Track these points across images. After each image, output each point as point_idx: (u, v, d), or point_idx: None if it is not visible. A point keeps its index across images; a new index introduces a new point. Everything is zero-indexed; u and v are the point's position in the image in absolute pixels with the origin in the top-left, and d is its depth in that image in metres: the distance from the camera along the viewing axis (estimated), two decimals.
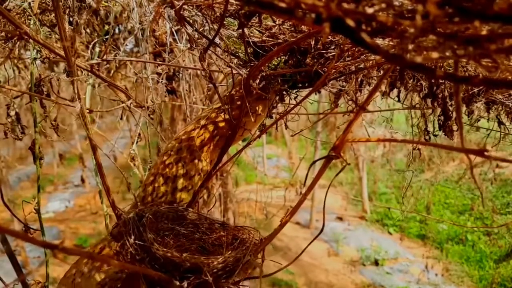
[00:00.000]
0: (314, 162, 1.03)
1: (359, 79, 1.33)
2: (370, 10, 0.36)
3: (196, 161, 1.17)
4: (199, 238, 1.11)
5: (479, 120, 1.58)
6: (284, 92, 1.18)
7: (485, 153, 0.44)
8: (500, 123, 1.58)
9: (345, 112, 1.46)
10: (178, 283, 0.82)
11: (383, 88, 1.39)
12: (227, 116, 1.17)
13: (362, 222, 9.25)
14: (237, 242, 1.04)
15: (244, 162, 11.44)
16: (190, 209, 1.18)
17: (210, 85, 1.84)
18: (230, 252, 0.96)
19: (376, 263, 7.43)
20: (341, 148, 0.83)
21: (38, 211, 1.44)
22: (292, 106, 1.17)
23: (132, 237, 0.89)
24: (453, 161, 10.68)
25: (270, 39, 1.00)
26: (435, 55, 0.35)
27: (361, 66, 1.12)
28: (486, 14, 0.27)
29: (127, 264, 0.83)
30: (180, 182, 1.17)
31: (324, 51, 1.00)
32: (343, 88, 1.38)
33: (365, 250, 7.79)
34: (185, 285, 0.83)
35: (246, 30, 0.96)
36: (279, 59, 1.13)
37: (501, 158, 0.53)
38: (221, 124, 1.19)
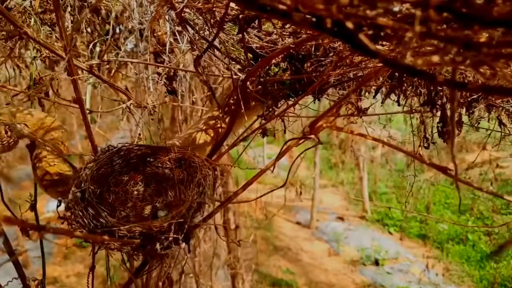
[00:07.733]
0: (287, 141, 1.03)
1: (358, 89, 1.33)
2: (371, 13, 0.36)
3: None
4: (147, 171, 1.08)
5: (479, 123, 1.58)
6: (281, 99, 1.19)
7: (448, 171, 0.45)
8: (501, 123, 1.57)
9: (345, 115, 1.45)
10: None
11: (383, 90, 1.39)
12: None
13: (363, 222, 9.24)
14: (186, 165, 1.02)
15: (244, 162, 11.42)
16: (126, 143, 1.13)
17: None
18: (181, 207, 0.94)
19: (376, 263, 7.43)
20: (318, 130, 0.84)
21: (34, 207, 1.43)
22: (286, 107, 1.18)
23: (84, 214, 0.88)
24: None
25: (270, 45, 1.00)
26: (434, 58, 0.35)
27: (359, 74, 1.12)
28: (485, 19, 0.27)
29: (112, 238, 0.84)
30: None
31: (322, 58, 1.00)
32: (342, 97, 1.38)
33: (365, 250, 7.79)
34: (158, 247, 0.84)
35: (245, 35, 0.96)
36: (278, 67, 1.14)
37: (467, 182, 0.54)
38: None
